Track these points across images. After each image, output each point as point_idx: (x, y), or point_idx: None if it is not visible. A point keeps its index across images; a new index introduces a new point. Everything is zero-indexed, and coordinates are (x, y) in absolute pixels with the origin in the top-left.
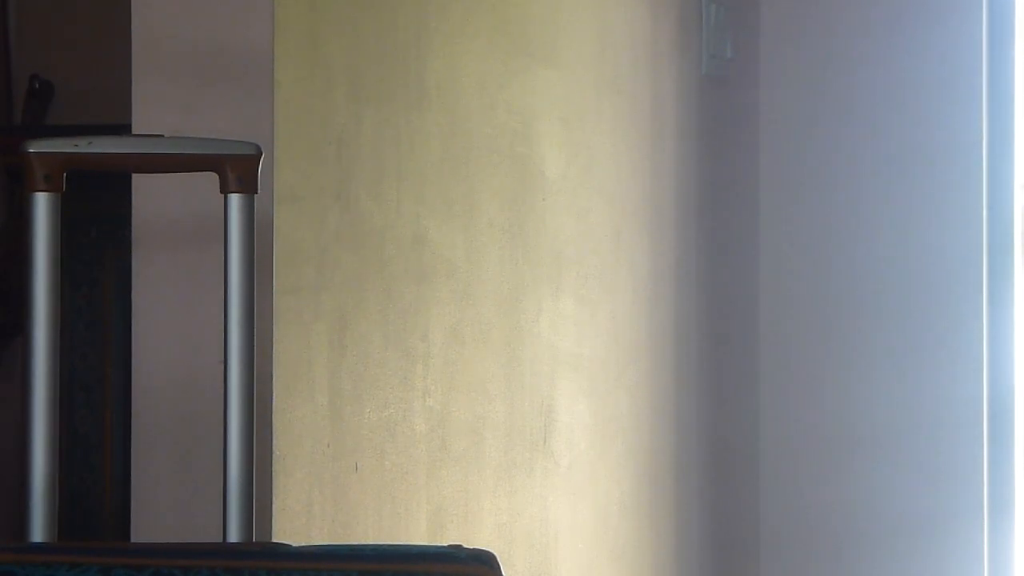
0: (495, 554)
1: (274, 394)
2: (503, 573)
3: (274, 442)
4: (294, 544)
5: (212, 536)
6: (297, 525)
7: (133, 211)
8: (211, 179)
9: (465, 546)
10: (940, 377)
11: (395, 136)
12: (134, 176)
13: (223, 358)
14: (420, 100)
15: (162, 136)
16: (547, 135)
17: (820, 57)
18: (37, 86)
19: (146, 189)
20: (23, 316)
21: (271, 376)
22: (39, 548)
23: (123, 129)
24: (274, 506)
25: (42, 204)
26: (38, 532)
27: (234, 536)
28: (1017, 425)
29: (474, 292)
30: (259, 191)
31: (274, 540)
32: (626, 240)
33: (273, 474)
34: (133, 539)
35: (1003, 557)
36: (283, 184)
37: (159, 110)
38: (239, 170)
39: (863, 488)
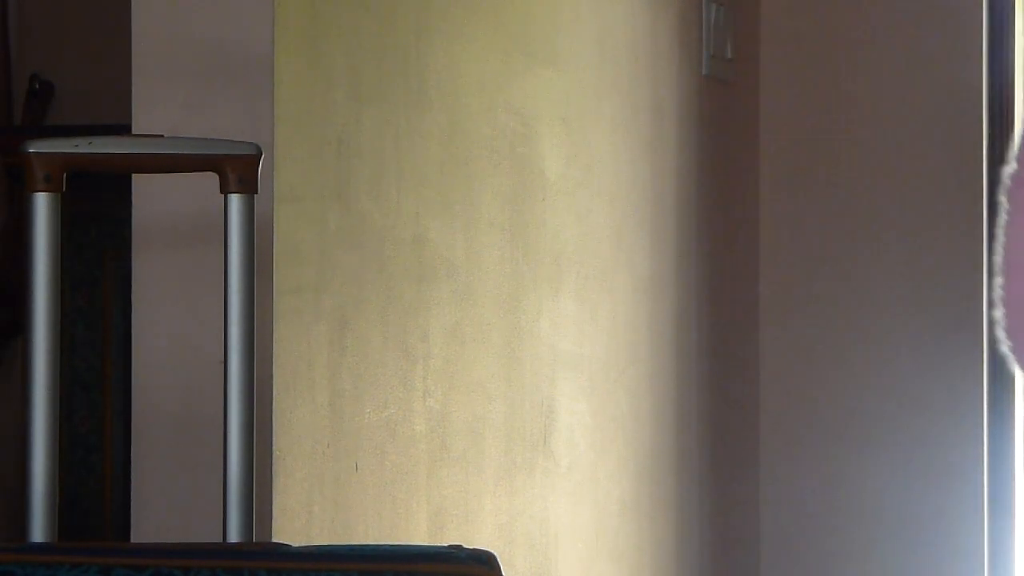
0: (495, 554)
1: (274, 394)
2: (503, 573)
3: (274, 442)
4: (294, 544)
5: (212, 536)
6: (297, 525)
7: (133, 211)
8: (211, 179)
9: (465, 546)
10: (940, 376)
11: (395, 136)
12: (134, 176)
13: (223, 358)
14: (420, 100)
15: (162, 136)
16: (547, 135)
17: (820, 57)
18: (37, 86)
19: (146, 189)
20: (23, 316)
21: (271, 376)
22: (39, 548)
23: (123, 129)
24: (274, 506)
25: (42, 204)
26: (38, 532)
27: (234, 536)
28: (1017, 425)
29: (474, 292)
30: (259, 191)
31: (274, 540)
32: (626, 240)
33: (273, 474)
34: (133, 539)
35: (1003, 557)
36: (283, 184)
37: (159, 110)
38: (239, 170)
39: (863, 488)
